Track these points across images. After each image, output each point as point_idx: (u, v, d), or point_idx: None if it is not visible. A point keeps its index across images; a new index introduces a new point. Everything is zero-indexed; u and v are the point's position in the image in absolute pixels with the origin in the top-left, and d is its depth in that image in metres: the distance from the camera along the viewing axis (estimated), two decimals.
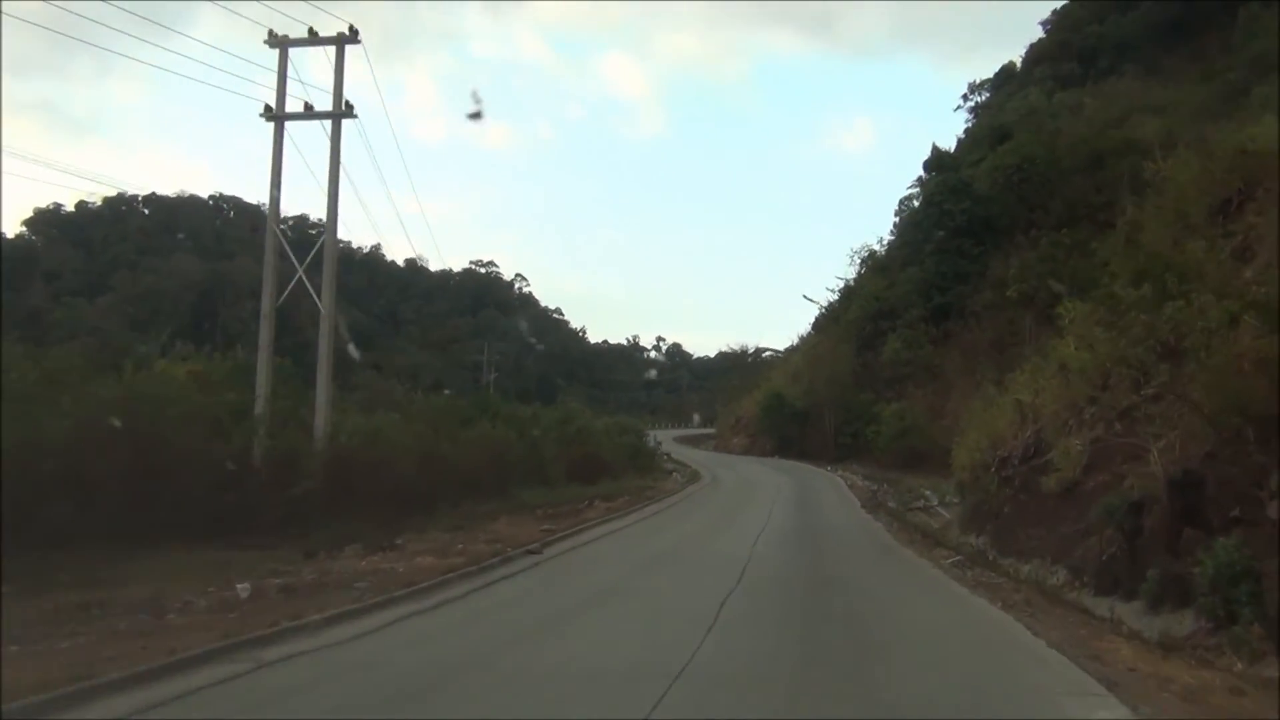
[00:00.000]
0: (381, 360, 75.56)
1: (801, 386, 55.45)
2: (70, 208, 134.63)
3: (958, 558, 17.46)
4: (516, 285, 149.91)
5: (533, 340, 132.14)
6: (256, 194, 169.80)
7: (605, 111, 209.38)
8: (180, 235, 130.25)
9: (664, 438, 67.87)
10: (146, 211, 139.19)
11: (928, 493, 32.12)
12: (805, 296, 59.53)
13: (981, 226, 54.09)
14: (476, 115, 35.55)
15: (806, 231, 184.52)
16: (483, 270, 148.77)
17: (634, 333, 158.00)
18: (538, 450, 28.71)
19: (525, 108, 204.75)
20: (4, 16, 16.71)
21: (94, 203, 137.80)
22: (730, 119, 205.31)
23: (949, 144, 68.37)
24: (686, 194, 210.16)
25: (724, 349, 74.46)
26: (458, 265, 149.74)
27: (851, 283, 58.69)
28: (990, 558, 17.12)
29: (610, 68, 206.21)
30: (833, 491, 34.73)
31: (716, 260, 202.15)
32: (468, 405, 28.08)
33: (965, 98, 79.18)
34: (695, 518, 24.41)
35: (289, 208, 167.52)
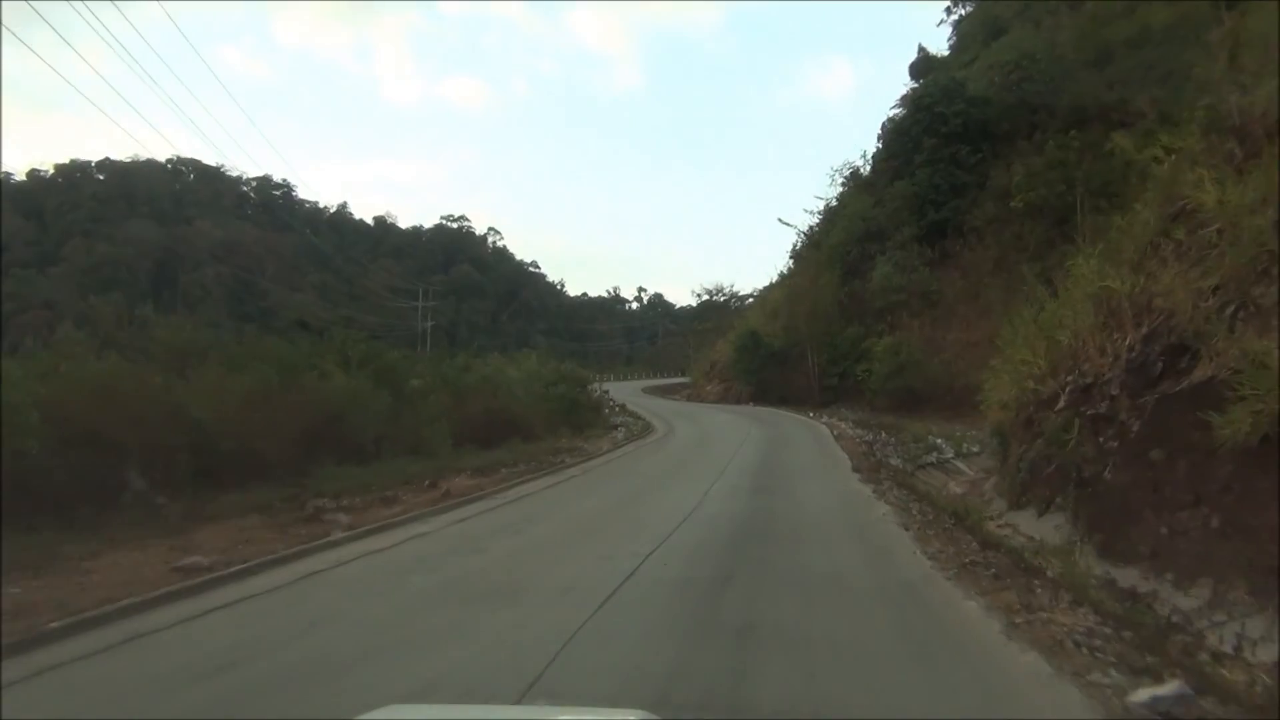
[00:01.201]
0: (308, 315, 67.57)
1: (780, 323, 47.24)
2: (21, 176, 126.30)
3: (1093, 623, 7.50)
4: (490, 240, 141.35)
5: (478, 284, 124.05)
6: (230, 156, 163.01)
7: (579, 65, 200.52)
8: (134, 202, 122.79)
9: (632, 388, 59.93)
10: (101, 178, 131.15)
11: (939, 441, 24.01)
12: (781, 220, 50.41)
13: (978, 132, 45.63)
14: None
15: (787, 178, 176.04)
16: (454, 225, 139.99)
17: (615, 285, 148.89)
18: (413, 408, 20.50)
19: (498, 64, 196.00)
20: None
21: (46, 171, 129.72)
22: (705, 67, 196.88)
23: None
24: (665, 145, 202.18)
25: (698, 291, 65.82)
26: (429, 221, 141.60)
27: (833, 203, 50.27)
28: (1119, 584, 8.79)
29: (583, 20, 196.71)
30: (814, 446, 26.36)
31: (697, 210, 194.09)
32: (284, 346, 19.72)
33: (949, 10, 69.95)
34: (589, 501, 15.47)
35: (246, 165, 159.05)
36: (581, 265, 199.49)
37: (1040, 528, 11.70)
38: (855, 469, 19.27)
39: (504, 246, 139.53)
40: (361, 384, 18.73)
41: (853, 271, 46.29)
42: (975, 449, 22.95)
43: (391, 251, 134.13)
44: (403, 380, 21.08)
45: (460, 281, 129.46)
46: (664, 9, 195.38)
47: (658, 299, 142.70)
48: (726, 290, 63.67)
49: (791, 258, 50.73)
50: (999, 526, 12.69)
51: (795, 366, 45.49)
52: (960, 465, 20.43)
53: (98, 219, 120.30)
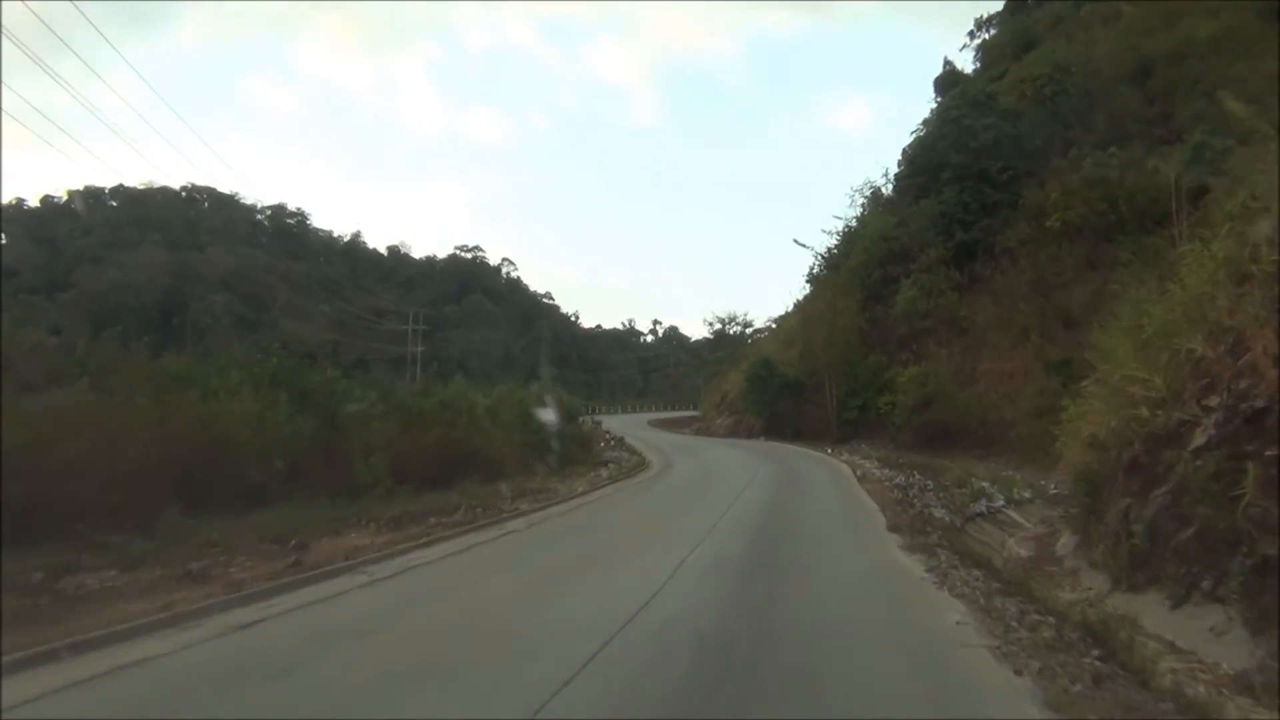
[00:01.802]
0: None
1: (795, 351, 43.11)
2: (34, 203, 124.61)
3: None
4: (504, 270, 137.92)
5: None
6: (249, 187, 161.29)
7: (597, 98, 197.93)
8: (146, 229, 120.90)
9: (638, 421, 55.82)
10: (114, 204, 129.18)
11: (985, 485, 19.75)
12: (797, 241, 46.12)
13: (1009, 147, 41.52)
14: None
15: (804, 212, 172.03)
16: (468, 256, 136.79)
17: (630, 317, 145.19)
18: (346, 437, 16.51)
19: (517, 97, 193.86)
20: None
21: (59, 198, 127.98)
22: (723, 100, 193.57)
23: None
24: (682, 177, 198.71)
25: (710, 320, 61.27)
26: (443, 252, 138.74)
27: (852, 224, 46.24)
28: None
29: (601, 53, 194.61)
30: (835, 491, 21.22)
31: (713, 244, 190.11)
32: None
33: (972, 34, 65.83)
34: (492, 583, 10.14)
35: (264, 193, 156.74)
36: (596, 298, 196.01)
37: (1184, 627, 7.46)
38: (892, 526, 14.19)
39: (518, 277, 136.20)
40: (265, 406, 14.72)
41: (874, 296, 42.17)
42: (1027, 494, 18.72)
43: (404, 281, 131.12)
44: (336, 404, 17.05)
45: (473, 312, 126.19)
46: (682, 42, 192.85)
47: (673, 331, 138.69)
48: (740, 319, 59.49)
49: (808, 281, 46.76)
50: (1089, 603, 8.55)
51: (811, 398, 41.30)
52: (1014, 515, 16.27)
53: (109, 245, 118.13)
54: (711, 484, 22.84)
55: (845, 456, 32.03)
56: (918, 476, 22.29)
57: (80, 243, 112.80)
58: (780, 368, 42.78)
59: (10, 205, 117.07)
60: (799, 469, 27.41)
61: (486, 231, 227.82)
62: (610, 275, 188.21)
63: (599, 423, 39.93)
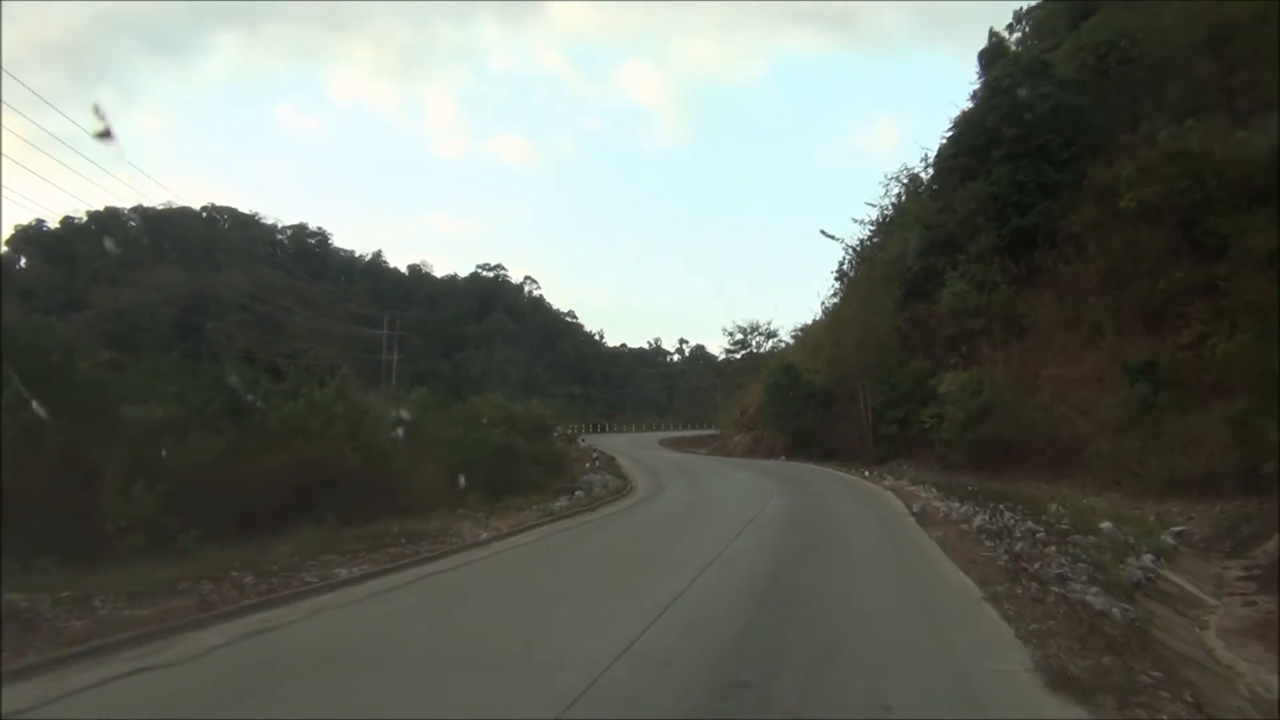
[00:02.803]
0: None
1: (824, 357, 36.43)
2: (54, 224, 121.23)
3: None
4: (527, 289, 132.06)
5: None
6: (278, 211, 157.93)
7: (625, 121, 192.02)
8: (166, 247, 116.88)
9: (650, 440, 49.32)
10: (133, 224, 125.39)
11: (1110, 527, 12.78)
12: (825, 232, 38.74)
13: (1070, 121, 34.81)
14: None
15: (832, 231, 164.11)
16: (489, 274, 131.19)
17: (656, 336, 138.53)
18: (105, 453, 10.11)
19: (545, 120, 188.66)
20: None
21: (79, 218, 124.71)
22: (750, 122, 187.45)
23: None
24: (709, 198, 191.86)
25: (729, 329, 53.72)
26: (464, 270, 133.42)
27: (889, 211, 39.43)
28: None
29: (628, 77, 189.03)
30: (884, 542, 14.12)
31: (741, 264, 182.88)
32: None
33: (1011, 28, 58.00)
34: None
35: (289, 216, 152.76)
36: (623, 318, 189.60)
37: None
38: (1025, 637, 7.06)
39: (540, 296, 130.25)
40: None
41: (915, 292, 35.38)
42: (1169, 537, 11.90)
43: (425, 300, 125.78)
44: (102, 403, 10.69)
45: (494, 331, 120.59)
46: (708, 65, 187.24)
47: (699, 351, 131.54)
48: (763, 328, 51.71)
49: (836, 279, 39.76)
50: None
51: (843, 411, 34.51)
52: (1180, 581, 9.54)
53: (125, 265, 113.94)
54: (696, 522, 16.38)
55: (889, 482, 25.15)
56: (1007, 515, 14.97)
57: (97, 263, 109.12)
58: (805, 375, 36.03)
59: (30, 226, 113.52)
60: (826, 500, 20.64)
61: (512, 254, 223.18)
62: (637, 296, 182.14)
63: (584, 440, 33.44)
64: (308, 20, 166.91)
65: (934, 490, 20.88)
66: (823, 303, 41.39)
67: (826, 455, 33.99)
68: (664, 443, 48.10)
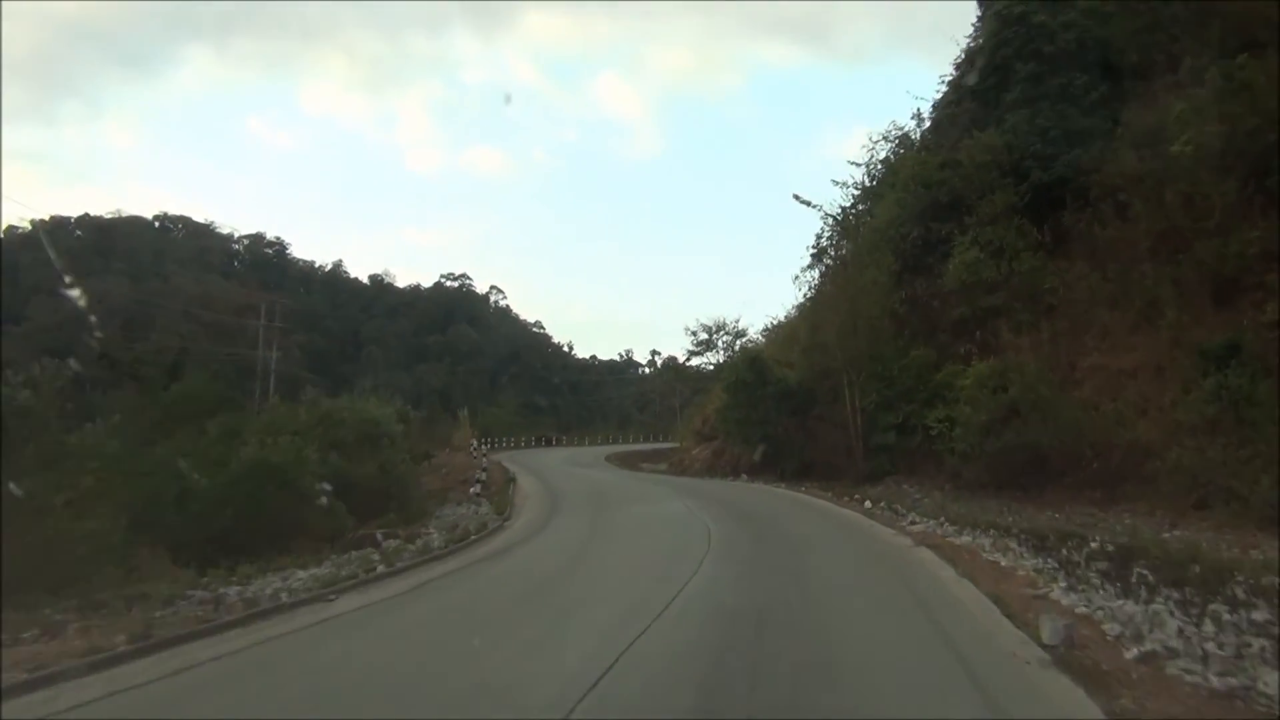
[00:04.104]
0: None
1: (799, 348, 28.45)
2: None
3: None
4: (493, 299, 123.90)
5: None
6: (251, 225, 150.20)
7: (600, 132, 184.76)
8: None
9: (595, 454, 41.19)
10: (79, 234, 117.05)
11: None
12: (799, 198, 30.32)
13: (1097, 59, 27.19)
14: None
15: (808, 243, 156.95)
16: (454, 284, 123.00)
17: (628, 348, 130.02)
18: None
19: (520, 132, 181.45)
20: None
21: (22, 228, 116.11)
22: (726, 132, 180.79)
23: None
24: (685, 210, 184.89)
25: (691, 328, 43.82)
26: (428, 280, 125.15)
27: (876, 171, 31.38)
28: None
29: (603, 88, 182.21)
30: None
31: (716, 275, 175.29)
32: None
33: None
34: None
35: (247, 226, 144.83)
36: (596, 331, 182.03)
37: None
38: None
39: (507, 306, 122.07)
40: None
41: (912, 266, 27.38)
42: None
43: (386, 311, 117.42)
44: None
45: (456, 342, 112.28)
46: (683, 76, 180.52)
47: (671, 361, 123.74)
48: (730, 327, 42.18)
49: (814, 257, 31.34)
50: None
51: (825, 414, 26.46)
52: None
53: (69, 276, 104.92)
54: (519, 633, 8.01)
55: (914, 525, 16.56)
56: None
57: (39, 274, 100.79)
58: (776, 371, 27.98)
59: None
60: (810, 569, 11.85)
61: (485, 267, 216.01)
62: (610, 308, 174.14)
63: (480, 454, 25.48)
64: (279, 32, 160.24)
65: (967, 531, 12.54)
66: (797, 285, 33.16)
67: (804, 472, 25.92)
68: (612, 458, 39.86)
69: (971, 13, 30.92)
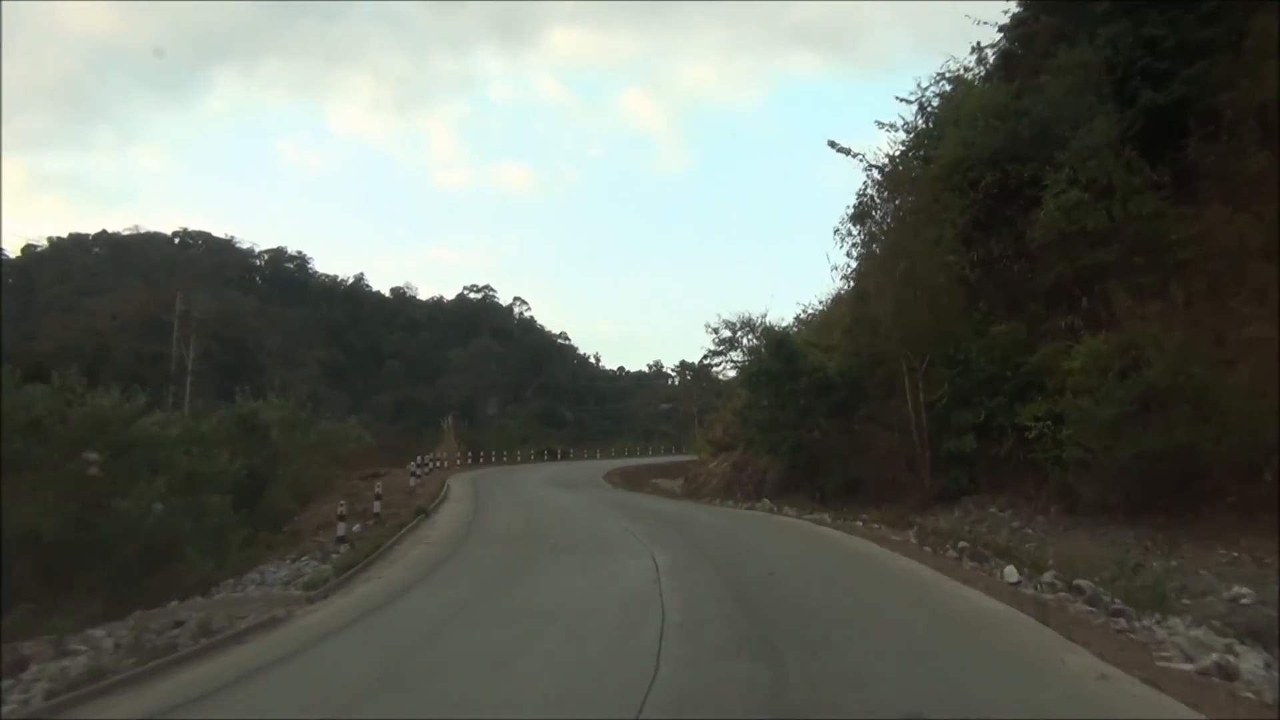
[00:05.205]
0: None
1: (841, 329, 21.65)
2: (14, 254, 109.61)
3: None
4: (516, 310, 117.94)
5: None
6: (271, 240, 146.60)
7: (626, 147, 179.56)
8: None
9: (597, 469, 34.61)
10: (97, 251, 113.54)
11: None
12: (834, 144, 23.51)
13: None
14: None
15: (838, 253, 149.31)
16: (476, 296, 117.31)
17: (656, 359, 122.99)
18: None
19: (546, 150, 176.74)
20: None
21: (40, 246, 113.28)
22: (751, 145, 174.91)
23: None
24: (713, 223, 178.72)
25: (713, 325, 34.94)
26: (450, 294, 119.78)
27: (932, 108, 24.10)
28: None
29: (629, 104, 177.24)
30: None
31: (744, 286, 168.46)
32: None
33: None
34: None
35: (267, 240, 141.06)
36: (625, 345, 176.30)
37: None
38: None
39: (531, 317, 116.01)
40: None
41: (984, 222, 20.54)
42: None
43: (407, 324, 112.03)
44: None
45: (479, 355, 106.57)
46: (708, 89, 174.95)
47: (703, 372, 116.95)
48: (757, 322, 33.09)
49: (854, 216, 23.71)
50: None
51: (877, 414, 19.58)
52: None
53: (84, 292, 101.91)
54: None
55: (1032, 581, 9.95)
56: None
57: (54, 290, 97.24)
58: (811, 356, 21.12)
59: None
60: None
61: (512, 282, 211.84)
62: (638, 321, 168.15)
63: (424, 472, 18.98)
64: (306, 55, 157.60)
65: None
66: (838, 243, 25.78)
67: (848, 491, 19.14)
68: (614, 475, 33.06)
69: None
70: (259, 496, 15.82)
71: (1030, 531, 14.24)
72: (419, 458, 27.98)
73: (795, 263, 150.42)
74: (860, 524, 15.18)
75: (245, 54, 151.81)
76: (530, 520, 17.91)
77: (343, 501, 13.99)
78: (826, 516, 16.47)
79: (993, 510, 16.15)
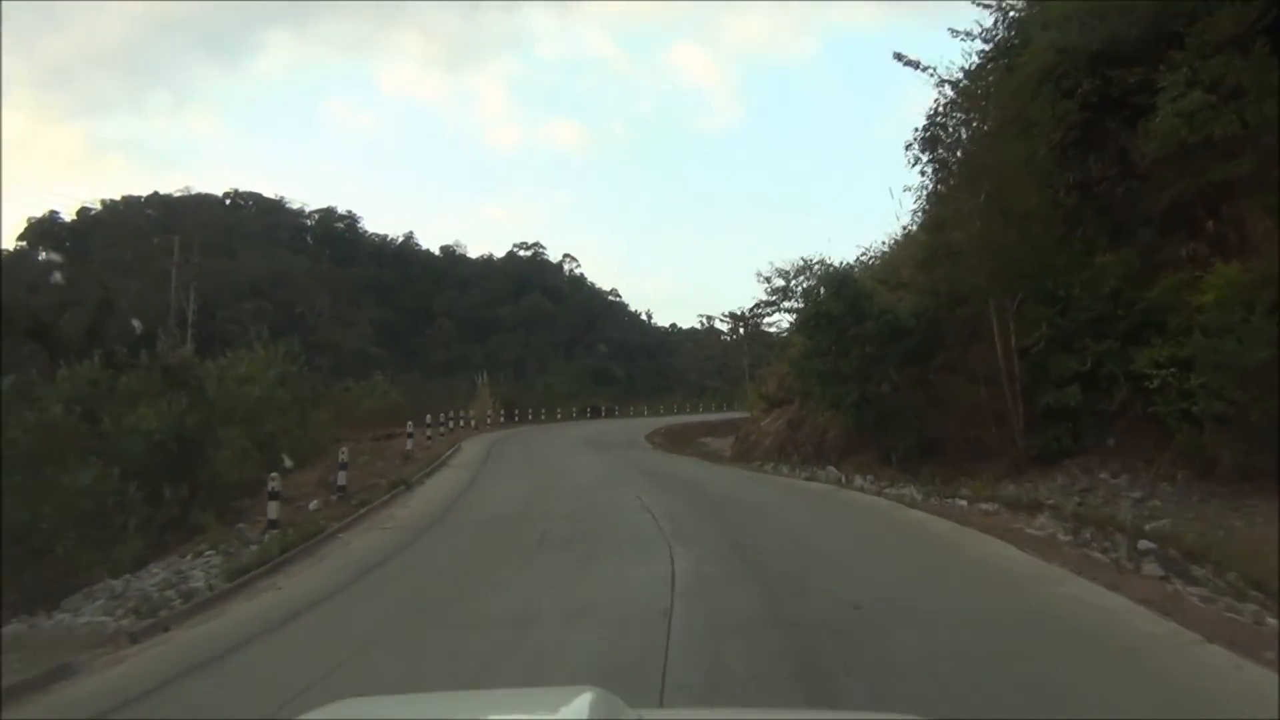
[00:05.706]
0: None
1: (913, 266, 18.76)
2: (70, 216, 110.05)
3: None
4: (567, 267, 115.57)
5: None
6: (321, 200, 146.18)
7: (677, 103, 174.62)
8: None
9: (642, 427, 32.16)
10: (150, 213, 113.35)
11: None
12: (900, 56, 20.36)
13: None
14: None
15: (889, 209, 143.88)
16: (526, 254, 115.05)
17: (707, 313, 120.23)
18: None
19: (596, 106, 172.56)
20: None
21: (95, 209, 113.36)
22: (805, 98, 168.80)
23: None
24: (766, 178, 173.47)
25: (765, 274, 30.87)
26: (500, 252, 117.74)
27: (1014, 16, 20.79)
28: None
29: (679, 58, 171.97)
30: None
31: (800, 244, 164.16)
32: None
33: None
34: None
35: (317, 200, 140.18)
36: (675, 300, 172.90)
37: None
38: None
39: (581, 274, 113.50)
40: None
41: (1084, 136, 17.49)
42: None
43: (457, 283, 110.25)
44: None
45: (530, 313, 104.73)
46: (760, 42, 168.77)
47: (754, 327, 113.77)
48: (815, 268, 28.79)
49: (924, 140, 20.59)
50: None
51: (957, 363, 16.70)
52: None
53: (138, 255, 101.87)
54: None
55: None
56: None
57: (107, 253, 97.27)
58: (879, 296, 18.13)
59: (44, 219, 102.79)
60: None
61: (563, 240, 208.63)
62: (691, 278, 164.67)
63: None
64: (357, 15, 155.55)
65: None
66: (905, 187, 22.73)
67: (924, 453, 16.42)
68: (657, 434, 30.42)
69: None
70: (192, 467, 13.53)
71: (1159, 504, 11.42)
72: (439, 415, 25.63)
73: (851, 213, 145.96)
74: (963, 504, 12.26)
75: (297, 15, 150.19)
76: (533, 495, 15.22)
77: (274, 475, 11.59)
78: (914, 492, 13.65)
79: (1103, 476, 13.33)
